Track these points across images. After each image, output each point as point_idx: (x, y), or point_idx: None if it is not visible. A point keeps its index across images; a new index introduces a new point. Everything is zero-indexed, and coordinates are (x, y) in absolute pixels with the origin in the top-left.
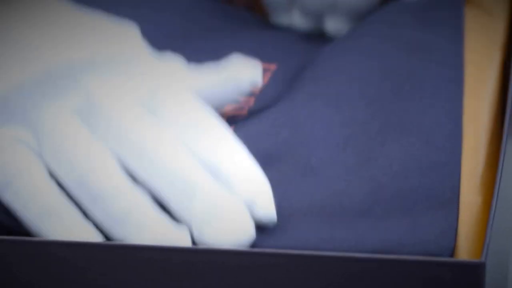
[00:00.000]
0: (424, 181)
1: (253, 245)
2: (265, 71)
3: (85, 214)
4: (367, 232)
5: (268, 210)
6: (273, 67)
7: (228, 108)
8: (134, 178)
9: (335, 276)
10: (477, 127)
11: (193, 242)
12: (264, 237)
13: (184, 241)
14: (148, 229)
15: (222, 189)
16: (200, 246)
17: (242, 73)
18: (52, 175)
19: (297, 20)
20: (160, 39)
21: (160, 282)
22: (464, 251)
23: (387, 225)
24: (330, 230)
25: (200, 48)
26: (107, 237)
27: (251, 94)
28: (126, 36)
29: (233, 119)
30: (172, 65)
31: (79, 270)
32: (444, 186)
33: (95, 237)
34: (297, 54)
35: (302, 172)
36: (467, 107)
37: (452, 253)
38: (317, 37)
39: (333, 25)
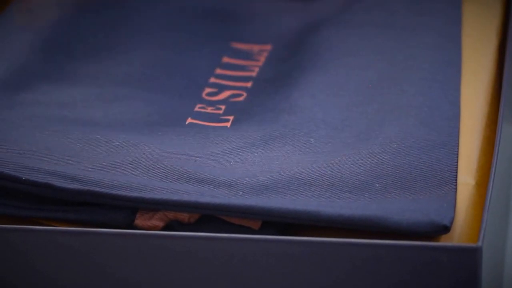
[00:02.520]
0: (422, 158)
1: (255, 208)
2: (261, 52)
3: None
4: (367, 202)
5: None
6: (268, 47)
7: (226, 94)
8: None
9: (329, 260)
10: (473, 111)
11: None
12: (265, 201)
13: None
14: None
15: None
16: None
17: None
18: None
19: None
20: (174, 24)
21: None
22: (458, 234)
23: (387, 198)
24: (330, 197)
25: (196, 33)
26: None
27: (249, 77)
28: None
29: (232, 106)
30: None
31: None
32: (442, 165)
33: None
34: (290, 33)
35: (301, 149)
36: (463, 91)
37: (450, 227)
38: (308, 15)
39: None
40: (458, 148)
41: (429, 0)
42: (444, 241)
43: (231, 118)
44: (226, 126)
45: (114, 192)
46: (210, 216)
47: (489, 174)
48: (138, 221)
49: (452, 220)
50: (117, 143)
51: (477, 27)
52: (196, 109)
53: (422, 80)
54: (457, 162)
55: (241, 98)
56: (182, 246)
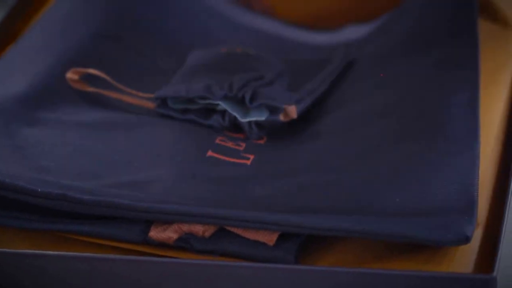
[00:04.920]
0: (443, 171)
1: (273, 217)
2: None
3: None
4: (386, 218)
5: None
6: None
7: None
8: None
9: None
10: (488, 138)
11: None
12: (289, 217)
13: None
14: None
15: None
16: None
17: None
18: None
19: None
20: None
21: None
22: (472, 263)
23: (407, 212)
24: (349, 215)
25: None
26: None
27: None
28: None
29: (253, 146)
30: None
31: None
32: (463, 177)
33: None
34: None
35: (323, 180)
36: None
37: (471, 237)
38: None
39: None
40: (479, 160)
41: (446, 26)
42: (459, 270)
43: (251, 156)
44: (246, 164)
45: (131, 203)
46: (225, 231)
47: (504, 201)
48: (153, 233)
49: (473, 231)
50: (137, 164)
51: (495, 53)
52: (217, 141)
53: (441, 102)
54: (478, 174)
55: (261, 141)
56: (191, 272)
